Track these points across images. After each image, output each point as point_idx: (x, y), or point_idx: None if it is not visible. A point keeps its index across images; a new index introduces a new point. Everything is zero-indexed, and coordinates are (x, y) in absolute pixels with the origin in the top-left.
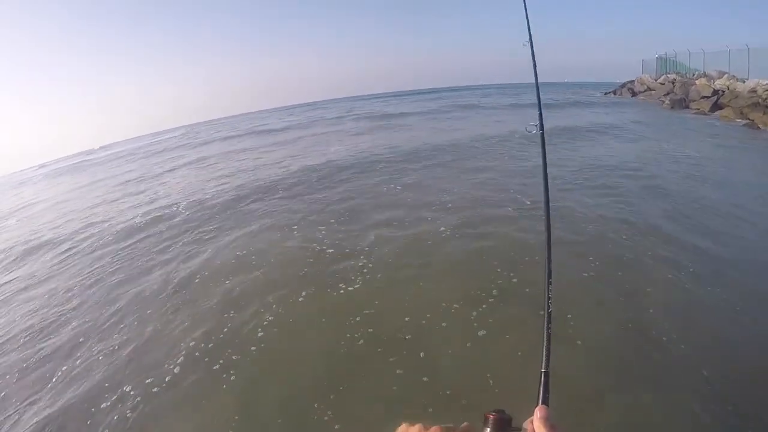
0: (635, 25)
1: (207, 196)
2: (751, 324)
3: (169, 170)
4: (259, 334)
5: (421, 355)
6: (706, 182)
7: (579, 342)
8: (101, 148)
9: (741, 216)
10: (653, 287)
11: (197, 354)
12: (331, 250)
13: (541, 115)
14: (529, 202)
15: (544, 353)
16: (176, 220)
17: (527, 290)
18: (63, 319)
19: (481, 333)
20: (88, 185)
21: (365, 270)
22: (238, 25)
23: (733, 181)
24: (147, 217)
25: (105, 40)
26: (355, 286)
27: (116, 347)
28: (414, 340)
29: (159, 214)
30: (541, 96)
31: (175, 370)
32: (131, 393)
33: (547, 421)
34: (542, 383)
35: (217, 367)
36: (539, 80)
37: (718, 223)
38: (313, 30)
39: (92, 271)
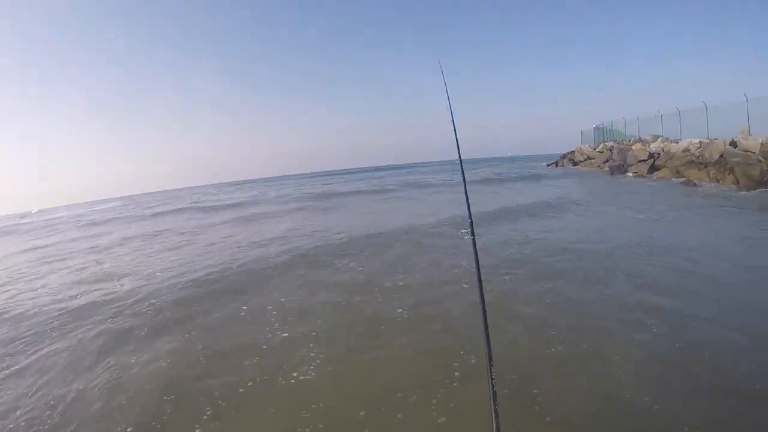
0: (573, 101)
1: (132, 288)
2: (719, 373)
3: (90, 249)
4: (201, 428)
5: None
6: (655, 241)
7: (548, 419)
8: (39, 211)
9: (692, 269)
10: (620, 352)
11: None
12: (285, 335)
13: (471, 222)
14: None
15: (494, 427)
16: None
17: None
18: None
19: (441, 420)
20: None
21: (318, 360)
22: (185, 97)
23: (681, 236)
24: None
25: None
26: (307, 376)
27: None
28: None
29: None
30: (487, 171)
31: None
32: None
33: None
34: None
35: None
36: (482, 156)
37: (671, 280)
38: (264, 106)
39: None
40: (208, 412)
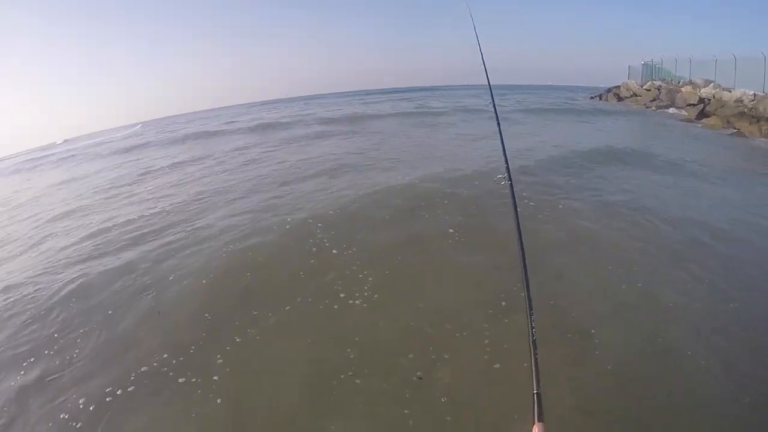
0: (622, 33)
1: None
2: None
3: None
4: (226, 358)
5: (443, 400)
6: (713, 183)
7: (609, 367)
8: (65, 141)
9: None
10: (675, 295)
11: (164, 369)
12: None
13: (508, 168)
14: (533, 204)
15: (534, 376)
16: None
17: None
18: None
19: (496, 366)
20: None
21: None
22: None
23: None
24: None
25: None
26: (353, 301)
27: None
28: (425, 381)
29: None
30: (532, 99)
31: (130, 389)
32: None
33: None
34: (536, 403)
35: (183, 380)
36: (521, 82)
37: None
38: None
39: None
40: (246, 333)
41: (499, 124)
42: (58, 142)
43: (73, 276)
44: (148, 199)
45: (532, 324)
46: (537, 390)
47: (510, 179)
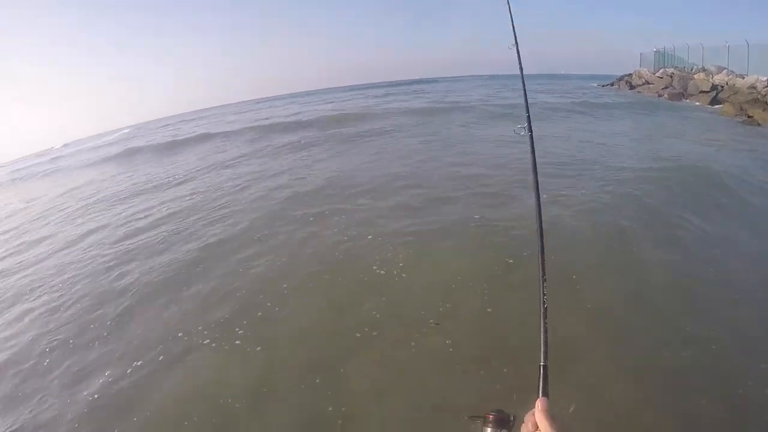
0: (632, 20)
1: None
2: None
3: None
4: (269, 311)
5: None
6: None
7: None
8: (64, 146)
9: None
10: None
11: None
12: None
13: (528, 117)
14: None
15: (542, 347)
16: None
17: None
18: None
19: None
20: None
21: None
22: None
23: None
24: None
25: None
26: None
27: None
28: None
29: None
30: (547, 93)
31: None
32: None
33: (548, 412)
34: (542, 376)
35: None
36: (533, 72)
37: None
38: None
39: None
40: (285, 294)
41: (523, 78)
42: (56, 147)
43: None
44: None
45: (543, 291)
46: (544, 362)
47: (530, 130)
